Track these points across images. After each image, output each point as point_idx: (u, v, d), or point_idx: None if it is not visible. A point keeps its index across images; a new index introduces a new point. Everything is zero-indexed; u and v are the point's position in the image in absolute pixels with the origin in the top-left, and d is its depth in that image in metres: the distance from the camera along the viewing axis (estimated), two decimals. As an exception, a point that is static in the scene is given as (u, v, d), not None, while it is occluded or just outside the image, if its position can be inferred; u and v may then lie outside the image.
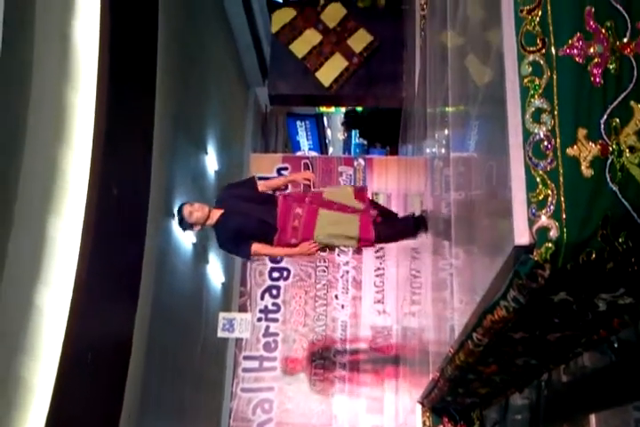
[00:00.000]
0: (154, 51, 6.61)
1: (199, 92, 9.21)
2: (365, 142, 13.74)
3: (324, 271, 7.60)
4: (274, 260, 7.78)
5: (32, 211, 4.75)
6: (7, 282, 4.45)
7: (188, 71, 8.48)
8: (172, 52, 7.44)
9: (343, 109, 12.98)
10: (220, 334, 7.15)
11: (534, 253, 1.75)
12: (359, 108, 11.58)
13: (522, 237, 1.77)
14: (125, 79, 5.72)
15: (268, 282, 7.66)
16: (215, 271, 10.09)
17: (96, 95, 5.22)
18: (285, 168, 7.97)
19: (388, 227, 4.73)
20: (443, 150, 3.87)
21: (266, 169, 7.90)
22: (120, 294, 6.12)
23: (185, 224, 4.64)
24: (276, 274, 7.67)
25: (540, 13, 1.98)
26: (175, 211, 4.81)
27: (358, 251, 7.44)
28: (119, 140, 5.46)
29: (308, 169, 7.75)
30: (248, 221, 4.48)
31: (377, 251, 7.40)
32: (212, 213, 4.55)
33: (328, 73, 7.87)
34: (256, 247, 4.48)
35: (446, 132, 3.67)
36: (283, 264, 7.68)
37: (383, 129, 10.13)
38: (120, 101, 5.47)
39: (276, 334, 7.42)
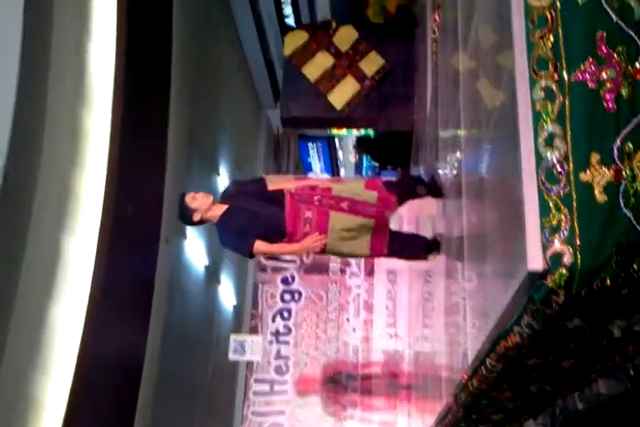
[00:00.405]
0: (167, 73, 6.68)
1: (212, 113, 9.28)
2: (377, 164, 13.76)
3: (336, 294, 7.57)
4: (285, 281, 7.76)
5: (46, 230, 4.78)
6: (20, 299, 4.48)
7: (201, 93, 8.54)
8: (185, 75, 7.51)
9: (355, 131, 13.04)
10: (232, 356, 7.12)
11: (548, 279, 1.74)
12: (370, 132, 11.61)
13: (535, 262, 1.76)
14: (139, 101, 5.78)
15: (280, 304, 7.63)
16: (227, 293, 10.07)
17: (111, 116, 5.27)
18: (297, 190, 7.98)
19: (400, 242, 4.52)
20: (454, 173, 3.87)
21: (278, 191, 7.90)
22: (132, 314, 6.13)
23: (186, 213, 4.31)
24: (287, 296, 7.64)
25: (551, 38, 1.99)
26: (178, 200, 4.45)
27: (370, 271, 7.41)
28: (133, 161, 5.50)
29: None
30: (255, 221, 4.23)
31: (389, 274, 7.37)
32: (215, 206, 4.28)
33: (340, 96, 7.89)
34: (259, 245, 4.22)
35: (458, 154, 3.67)
36: (294, 286, 7.66)
37: (394, 152, 10.14)
38: (134, 123, 5.52)
39: (287, 358, 7.38)
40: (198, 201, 4.23)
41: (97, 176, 5.19)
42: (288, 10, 10.75)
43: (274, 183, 4.43)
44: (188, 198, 4.25)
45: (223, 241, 4.35)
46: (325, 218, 4.22)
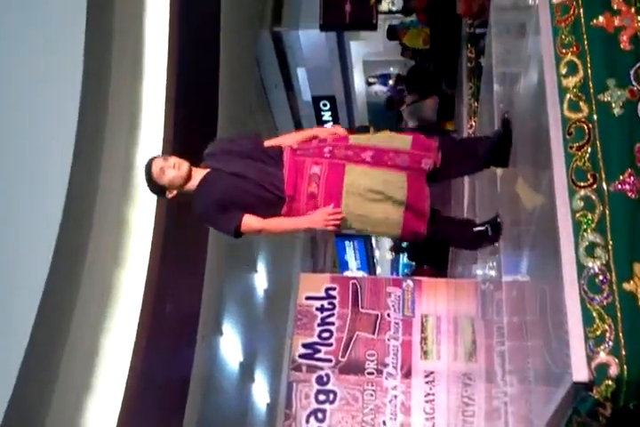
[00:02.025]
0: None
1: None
2: (413, 263, 13.79)
3: (372, 395, 7.39)
4: (320, 381, 7.62)
5: (86, 324, 4.85)
6: (57, 395, 4.51)
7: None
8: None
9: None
10: (264, 459, 6.93)
11: (594, 391, 1.72)
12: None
13: (580, 373, 1.74)
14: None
15: (314, 405, 7.43)
16: (261, 391, 9.93)
17: (155, 215, 5.43)
18: (334, 288, 7.96)
19: (447, 225, 3.33)
20: (494, 274, 3.86)
21: (314, 288, 7.88)
22: (167, 412, 6.07)
23: (157, 190, 3.29)
24: (322, 397, 7.46)
25: (589, 150, 2.04)
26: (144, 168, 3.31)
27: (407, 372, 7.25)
28: (173, 260, 5.61)
29: (357, 290, 7.71)
30: (242, 186, 3.16)
31: (427, 375, 7.21)
32: (194, 172, 3.20)
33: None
34: (249, 220, 3.15)
35: (497, 255, 3.68)
36: (329, 387, 7.50)
37: (431, 251, 10.16)
38: (176, 227, 5.65)
39: (321, 462, 7.15)
40: (168, 174, 3.18)
41: (137, 275, 5.31)
42: (327, 115, 11.19)
43: (272, 141, 3.37)
44: (156, 171, 3.20)
45: (201, 216, 3.29)
46: (340, 173, 3.11)
